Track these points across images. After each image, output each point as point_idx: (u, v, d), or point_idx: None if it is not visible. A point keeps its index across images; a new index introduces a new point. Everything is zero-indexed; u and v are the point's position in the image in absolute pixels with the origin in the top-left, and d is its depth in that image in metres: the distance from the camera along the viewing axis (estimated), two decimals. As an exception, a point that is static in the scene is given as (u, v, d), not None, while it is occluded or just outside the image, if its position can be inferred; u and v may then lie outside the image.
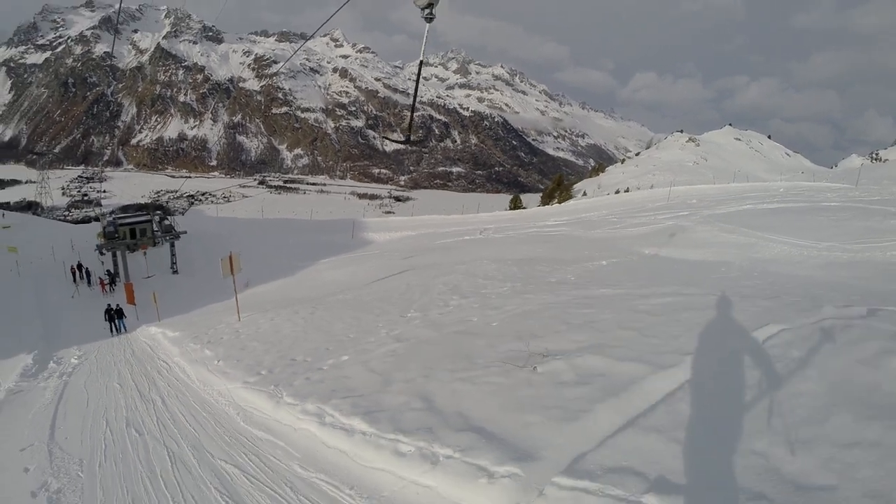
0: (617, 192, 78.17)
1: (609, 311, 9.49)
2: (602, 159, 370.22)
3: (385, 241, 44.73)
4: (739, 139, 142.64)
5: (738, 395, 5.53)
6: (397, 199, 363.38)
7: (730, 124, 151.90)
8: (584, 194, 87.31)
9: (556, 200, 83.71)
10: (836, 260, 18.58)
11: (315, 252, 37.20)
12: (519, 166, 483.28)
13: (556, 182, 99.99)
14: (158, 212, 44.76)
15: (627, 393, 5.87)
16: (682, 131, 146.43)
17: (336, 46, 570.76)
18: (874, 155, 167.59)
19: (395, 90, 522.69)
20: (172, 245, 39.59)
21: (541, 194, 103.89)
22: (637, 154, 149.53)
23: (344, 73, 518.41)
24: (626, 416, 5.41)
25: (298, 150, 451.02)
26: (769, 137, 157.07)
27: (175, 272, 37.99)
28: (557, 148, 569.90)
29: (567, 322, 9.09)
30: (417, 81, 8.62)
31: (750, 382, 5.78)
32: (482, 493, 4.76)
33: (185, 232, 41.58)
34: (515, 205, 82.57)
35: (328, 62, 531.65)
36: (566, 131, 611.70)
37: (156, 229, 40.99)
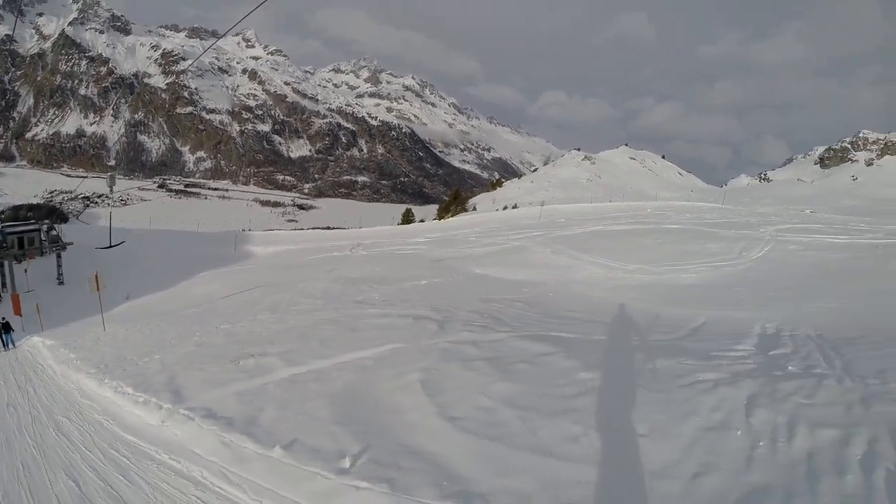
0: (505, 207, 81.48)
1: (345, 328, 12.79)
2: (507, 173, 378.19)
3: (266, 254, 46.33)
4: (634, 158, 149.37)
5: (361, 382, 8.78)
6: (301, 207, 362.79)
7: (626, 144, 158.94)
8: (475, 209, 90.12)
9: (451, 214, 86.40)
10: (637, 282, 21.29)
11: (195, 265, 38.52)
12: (424, 177, 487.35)
13: (453, 196, 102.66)
14: (47, 221, 45.22)
15: (269, 374, 9.68)
16: (579, 149, 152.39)
17: (248, 47, 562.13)
18: (763, 175, 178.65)
19: (305, 95, 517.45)
20: (59, 256, 40.18)
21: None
22: (534, 170, 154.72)
23: (253, 75, 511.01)
24: (254, 384, 9.19)
25: (201, 153, 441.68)
26: (663, 157, 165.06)
27: (61, 283, 38.71)
28: (464, 160, 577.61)
29: (304, 335, 12.54)
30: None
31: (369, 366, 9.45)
32: (154, 414, 8.52)
33: (72, 243, 42.19)
34: (406, 219, 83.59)
35: (238, 62, 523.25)
36: (473, 144, 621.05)
37: (43, 239, 41.92)
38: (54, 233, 43.30)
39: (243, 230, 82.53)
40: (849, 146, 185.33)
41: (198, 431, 7.51)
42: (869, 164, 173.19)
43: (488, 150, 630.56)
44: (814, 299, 15.22)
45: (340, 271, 27.15)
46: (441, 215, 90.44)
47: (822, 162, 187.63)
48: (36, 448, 8.18)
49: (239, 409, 8.01)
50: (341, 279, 22.56)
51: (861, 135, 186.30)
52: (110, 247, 38.14)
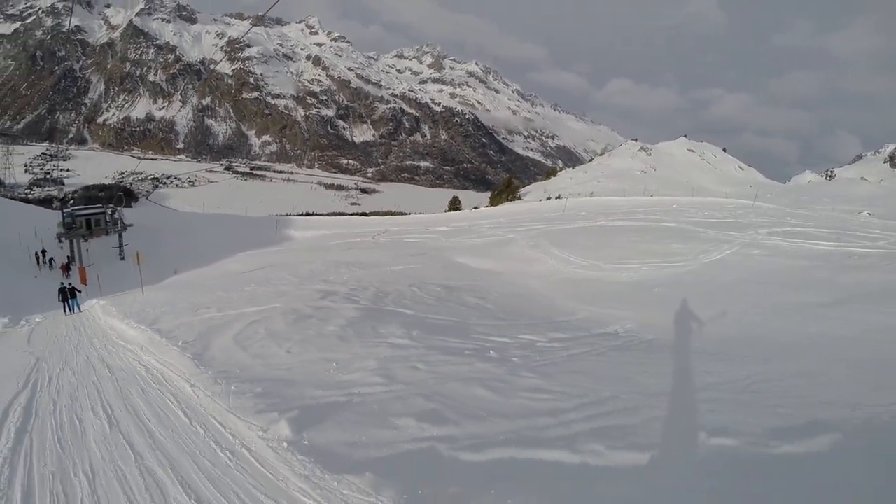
0: (549, 198, 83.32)
1: (277, 294, 18.75)
2: (571, 161, 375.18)
3: (303, 238, 49.70)
4: (692, 150, 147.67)
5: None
6: (364, 191, 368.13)
7: (685, 135, 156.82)
8: (512, 199, 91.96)
9: (502, 202, 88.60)
10: (580, 277, 23.99)
11: (238, 246, 41.97)
12: (487, 164, 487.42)
13: (506, 184, 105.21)
14: (111, 204, 50.16)
15: (203, 316, 16.02)
16: (636, 140, 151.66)
17: (311, 34, 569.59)
18: (829, 172, 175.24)
19: (368, 81, 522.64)
20: (120, 235, 45.08)
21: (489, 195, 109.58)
22: (590, 160, 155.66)
23: (317, 62, 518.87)
24: (192, 320, 15.50)
25: (267, 137, 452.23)
26: (724, 150, 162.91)
27: (122, 258, 43.48)
28: (527, 148, 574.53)
29: (252, 298, 18.33)
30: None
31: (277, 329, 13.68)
32: (136, 331, 15.13)
33: (132, 225, 47.30)
34: (454, 206, 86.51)
35: (302, 49, 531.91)
36: (537, 132, 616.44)
37: (108, 220, 47.21)
38: (117, 215, 48.19)
39: (287, 214, 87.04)
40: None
41: (145, 335, 14.22)
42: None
43: (552, 137, 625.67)
44: (710, 306, 16.76)
45: (343, 256, 31.02)
46: (493, 202, 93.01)
47: (892, 161, 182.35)
48: (78, 345, 14.72)
49: (172, 329, 14.28)
50: (334, 262, 26.91)
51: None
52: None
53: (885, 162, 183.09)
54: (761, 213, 43.12)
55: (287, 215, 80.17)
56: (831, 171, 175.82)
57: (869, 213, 67.52)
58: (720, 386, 8.84)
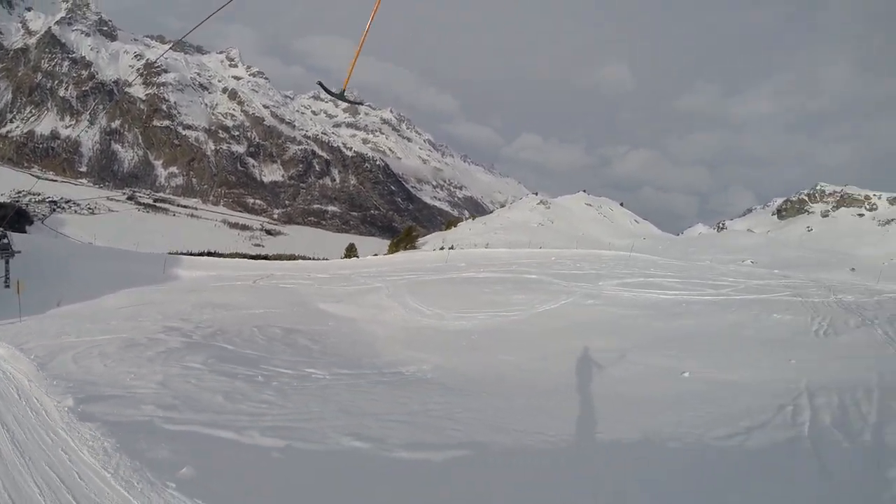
0: (442, 248, 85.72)
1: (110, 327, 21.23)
2: (477, 212, 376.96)
3: (189, 278, 49.92)
4: (590, 205, 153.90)
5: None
6: (269, 232, 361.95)
7: (583, 190, 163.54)
8: (410, 248, 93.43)
9: (400, 250, 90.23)
10: (417, 325, 25.74)
11: (123, 282, 41.70)
12: (395, 211, 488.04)
13: (406, 233, 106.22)
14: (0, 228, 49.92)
15: (57, 341, 18.08)
16: (536, 193, 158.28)
17: (230, 66, 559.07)
18: (720, 224, 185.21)
19: (282, 120, 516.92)
20: (7, 262, 45.18)
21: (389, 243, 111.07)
22: (487, 212, 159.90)
23: (233, 95, 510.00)
24: (44, 343, 15.97)
25: (174, 169, 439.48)
26: (621, 205, 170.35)
27: (7, 286, 43.76)
28: (435, 197, 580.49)
29: (104, 329, 20.62)
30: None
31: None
32: (4, 349, 14.78)
33: (20, 251, 47.06)
34: (349, 253, 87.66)
35: (219, 81, 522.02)
36: (445, 181, 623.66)
37: (-5, 244, 47.07)
38: (5, 241, 48.13)
39: (188, 252, 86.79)
40: (806, 198, 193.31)
41: (9, 351, 15.31)
42: (825, 215, 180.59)
43: (460, 187, 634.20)
44: (508, 352, 19.13)
45: (214, 298, 32.79)
46: (391, 251, 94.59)
47: (780, 213, 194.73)
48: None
49: (32, 348, 16.42)
50: (203, 303, 29.02)
51: (818, 187, 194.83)
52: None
53: (773, 214, 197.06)
54: (630, 265, 46.22)
55: (181, 254, 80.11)
56: (722, 224, 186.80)
57: (752, 262, 72.88)
58: (427, 412, 11.39)
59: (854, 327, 20.82)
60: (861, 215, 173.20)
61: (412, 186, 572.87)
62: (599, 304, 28.46)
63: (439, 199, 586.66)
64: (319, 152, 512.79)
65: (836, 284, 41.83)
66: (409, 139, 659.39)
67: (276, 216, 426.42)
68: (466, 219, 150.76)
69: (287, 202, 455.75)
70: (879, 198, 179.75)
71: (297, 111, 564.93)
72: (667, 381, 14.35)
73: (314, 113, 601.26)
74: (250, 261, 69.50)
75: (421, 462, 8.38)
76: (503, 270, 43.26)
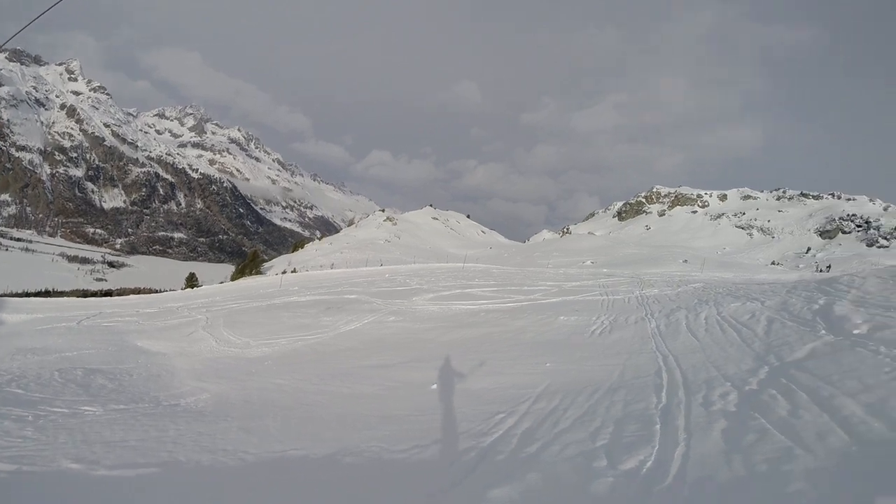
0: (284, 272, 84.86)
1: None
2: (328, 231, 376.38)
3: (13, 322, 43.66)
4: (437, 218, 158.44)
5: None
6: (111, 265, 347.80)
7: (430, 205, 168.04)
8: (256, 273, 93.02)
9: (245, 276, 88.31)
10: (223, 354, 25.00)
11: None
12: (244, 235, 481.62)
13: (251, 258, 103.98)
14: None
15: None
16: (383, 210, 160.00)
17: (70, 79, 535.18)
18: (565, 229, 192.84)
19: (124, 140, 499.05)
20: None
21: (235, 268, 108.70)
22: (338, 231, 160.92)
23: (72, 112, 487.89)
24: None
25: (6, 196, 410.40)
26: (468, 216, 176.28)
27: None
28: (285, 218, 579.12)
29: None
30: None
31: None
32: None
33: None
34: (190, 283, 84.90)
35: (57, 96, 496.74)
36: (295, 202, 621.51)
37: None
38: None
39: (24, 293, 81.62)
40: (644, 200, 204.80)
41: None
42: (661, 214, 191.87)
43: (311, 207, 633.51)
44: (281, 375, 19.05)
45: (31, 342, 29.53)
46: (236, 277, 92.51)
47: (620, 215, 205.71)
48: None
49: None
50: (17, 349, 26.87)
51: (654, 189, 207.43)
52: None
53: (614, 217, 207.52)
54: (459, 277, 48.19)
55: (10, 295, 74.89)
56: (567, 228, 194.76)
57: (592, 262, 76.60)
58: (161, 438, 11.50)
59: (633, 323, 21.83)
60: (694, 212, 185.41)
61: (261, 208, 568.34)
62: (401, 320, 28.92)
63: (290, 220, 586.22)
64: (164, 175, 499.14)
65: (655, 278, 44.44)
66: (257, 159, 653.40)
67: (118, 246, 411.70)
68: (318, 239, 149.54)
69: (130, 230, 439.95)
70: (710, 196, 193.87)
71: (141, 130, 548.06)
72: (413, 394, 14.72)
73: (158, 132, 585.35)
74: (82, 300, 65.55)
75: (114, 479, 8.84)
76: (329, 292, 43.54)
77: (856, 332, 12.70)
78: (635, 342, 18.12)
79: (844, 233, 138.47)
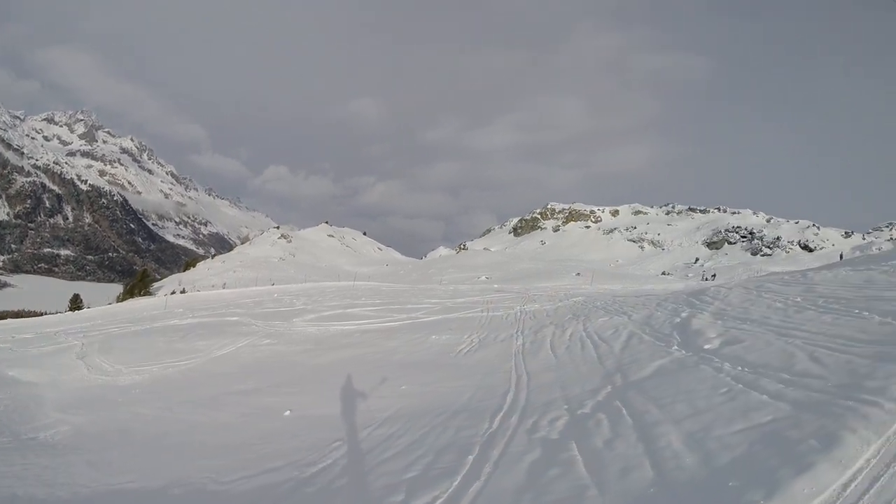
0: (174, 292, 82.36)
1: None
2: (224, 249, 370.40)
3: None
4: (332, 235, 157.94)
5: None
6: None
7: (326, 222, 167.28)
8: (145, 294, 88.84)
9: (134, 297, 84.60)
10: (98, 383, 23.79)
11: None
12: (135, 253, 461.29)
13: (140, 277, 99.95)
14: None
15: None
16: (278, 227, 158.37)
17: None
18: (461, 245, 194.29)
19: (9, 146, 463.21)
20: None
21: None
22: (231, 249, 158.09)
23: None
24: None
25: None
26: (364, 234, 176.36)
27: None
28: (178, 235, 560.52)
29: None
30: None
31: None
32: None
33: None
34: (75, 305, 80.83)
35: None
36: (189, 217, 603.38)
37: None
38: None
39: None
40: (539, 216, 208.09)
41: None
42: (556, 230, 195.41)
43: (205, 223, 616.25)
44: (145, 404, 18.60)
45: None
46: (124, 298, 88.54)
47: (516, 231, 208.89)
48: None
49: None
50: None
51: (549, 206, 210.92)
52: None
53: (510, 232, 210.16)
54: (345, 296, 47.56)
55: None
56: (464, 245, 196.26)
57: (487, 278, 76.91)
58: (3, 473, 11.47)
59: (500, 341, 22.09)
60: (588, 227, 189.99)
61: (153, 224, 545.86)
62: (275, 343, 28.33)
63: (183, 237, 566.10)
64: (51, 185, 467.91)
65: (541, 293, 44.83)
66: (150, 171, 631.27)
67: (0, 264, 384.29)
68: (211, 257, 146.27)
69: (14, 246, 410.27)
70: (603, 211, 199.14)
71: (28, 135, 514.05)
72: (264, 421, 14.52)
73: (46, 138, 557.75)
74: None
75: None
76: (213, 314, 42.25)
77: (707, 346, 13.02)
78: (497, 361, 18.29)
79: (730, 243, 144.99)
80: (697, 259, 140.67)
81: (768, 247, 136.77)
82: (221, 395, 18.65)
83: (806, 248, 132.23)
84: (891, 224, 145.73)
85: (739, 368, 10.39)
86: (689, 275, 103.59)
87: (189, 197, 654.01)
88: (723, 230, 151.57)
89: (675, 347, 13.88)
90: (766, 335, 12.79)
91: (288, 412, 14.88)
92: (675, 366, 11.92)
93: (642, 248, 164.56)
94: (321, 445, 10.92)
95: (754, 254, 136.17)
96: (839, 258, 64.47)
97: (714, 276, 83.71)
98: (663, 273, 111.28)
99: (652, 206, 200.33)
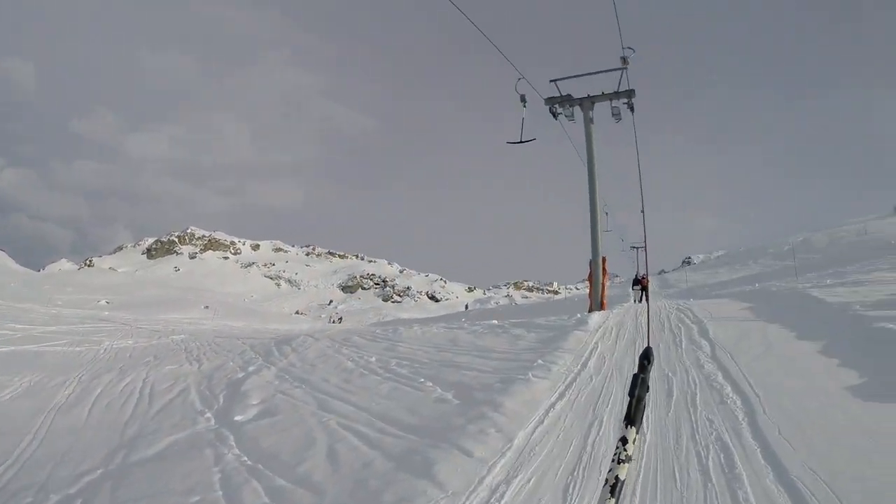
0: None
1: None
2: None
3: None
4: None
5: None
6: None
7: None
8: None
9: None
10: None
11: None
12: None
13: None
14: None
15: None
16: None
17: None
18: (88, 261, 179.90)
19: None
20: None
21: None
22: None
23: None
24: None
25: None
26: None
27: None
28: None
29: None
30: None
31: None
32: None
33: None
34: None
35: None
36: None
37: None
38: None
39: None
40: (176, 240, 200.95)
41: None
42: (193, 257, 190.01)
43: None
44: None
45: None
46: None
47: (150, 252, 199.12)
48: None
49: None
50: None
51: (189, 230, 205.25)
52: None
53: (143, 253, 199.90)
54: None
55: None
56: (90, 261, 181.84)
57: (108, 302, 69.59)
58: None
59: (39, 392, 18.61)
60: (226, 258, 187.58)
61: None
62: None
63: None
64: None
65: (155, 325, 41.20)
66: None
67: None
68: None
69: None
70: (244, 244, 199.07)
71: None
72: None
73: None
74: None
75: None
76: None
77: (238, 418, 10.92)
78: (26, 419, 14.33)
79: (364, 289, 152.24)
80: (332, 301, 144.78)
81: (399, 294, 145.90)
82: None
83: (433, 298, 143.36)
84: (508, 283, 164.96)
85: (244, 459, 8.18)
86: (322, 315, 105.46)
87: None
88: (358, 276, 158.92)
89: (209, 415, 11.58)
90: (307, 408, 11.17)
91: None
92: (187, 444, 9.44)
93: (279, 285, 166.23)
94: None
95: (385, 300, 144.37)
96: (465, 308, 69.46)
97: (341, 319, 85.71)
98: (297, 312, 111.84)
99: (293, 245, 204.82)
